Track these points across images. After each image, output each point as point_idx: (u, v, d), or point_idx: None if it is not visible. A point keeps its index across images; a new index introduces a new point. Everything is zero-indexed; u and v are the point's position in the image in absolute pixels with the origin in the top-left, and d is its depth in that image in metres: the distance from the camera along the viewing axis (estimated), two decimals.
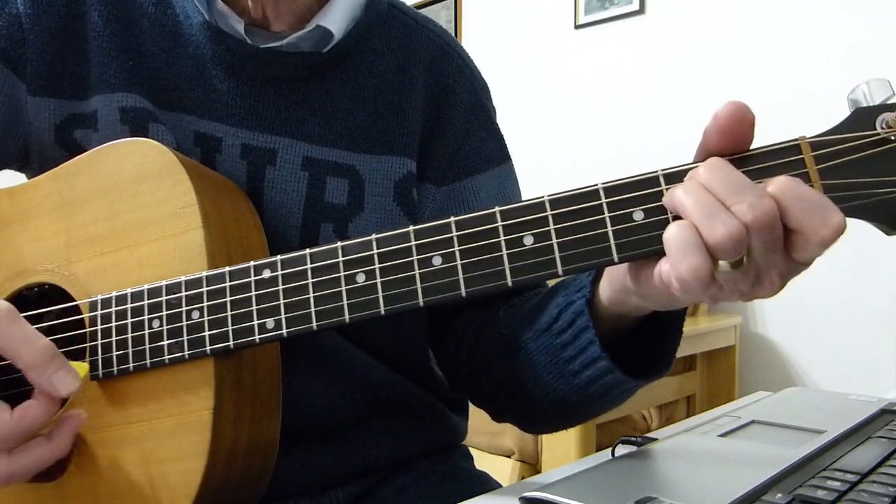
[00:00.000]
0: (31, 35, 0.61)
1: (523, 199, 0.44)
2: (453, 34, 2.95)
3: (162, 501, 0.51)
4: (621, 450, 0.55)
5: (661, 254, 0.41)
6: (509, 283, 0.43)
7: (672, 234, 0.39)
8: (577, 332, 0.52)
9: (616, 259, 0.41)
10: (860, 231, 0.40)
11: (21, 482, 0.49)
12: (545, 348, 0.55)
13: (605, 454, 0.57)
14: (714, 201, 0.38)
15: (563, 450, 1.61)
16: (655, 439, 0.54)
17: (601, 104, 2.59)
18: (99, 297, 0.54)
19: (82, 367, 0.50)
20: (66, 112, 0.62)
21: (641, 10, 2.49)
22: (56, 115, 0.62)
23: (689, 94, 2.36)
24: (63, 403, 0.51)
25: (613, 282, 0.48)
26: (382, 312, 0.46)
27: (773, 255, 0.38)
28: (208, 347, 0.50)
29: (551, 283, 0.55)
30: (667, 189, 0.41)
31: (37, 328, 0.48)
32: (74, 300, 0.55)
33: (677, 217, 0.40)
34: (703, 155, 0.41)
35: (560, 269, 0.42)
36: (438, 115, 0.69)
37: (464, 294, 0.44)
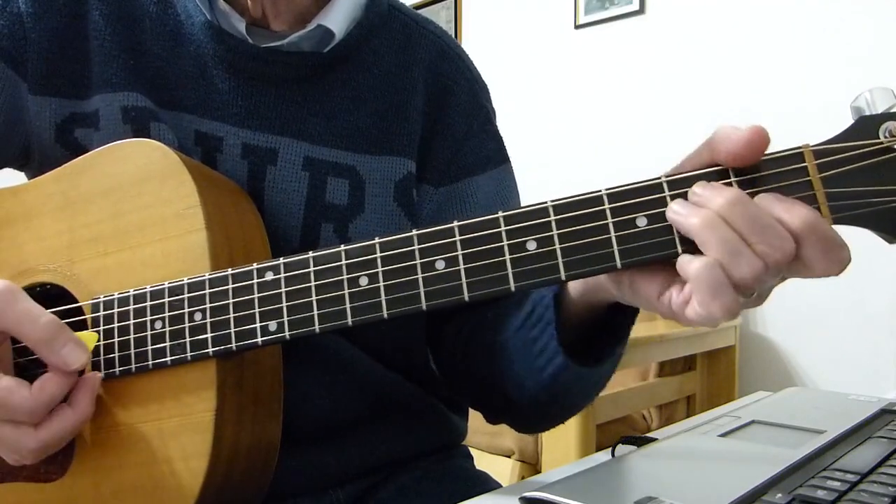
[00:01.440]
0: (32, 34, 0.61)
1: (523, 200, 0.44)
2: (453, 34, 2.95)
3: (164, 502, 0.51)
4: (621, 450, 0.55)
5: (662, 260, 0.41)
6: (512, 288, 0.43)
7: (701, 275, 0.39)
8: (543, 326, 0.52)
9: (619, 265, 0.41)
10: (860, 232, 0.41)
11: (54, 450, 0.50)
12: (521, 344, 0.55)
13: (605, 454, 0.57)
14: (737, 239, 0.38)
15: (563, 450, 1.61)
16: (655, 439, 0.55)
17: (601, 104, 2.59)
18: (102, 297, 0.54)
19: (90, 338, 0.51)
20: (67, 111, 0.62)
21: (641, 10, 2.49)
22: (57, 115, 0.62)
23: (690, 94, 2.36)
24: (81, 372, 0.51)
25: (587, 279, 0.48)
26: (385, 316, 0.46)
27: (777, 280, 0.40)
28: (210, 349, 0.50)
29: None
30: (670, 196, 0.41)
31: None
32: (77, 301, 0.55)
33: (684, 238, 0.40)
34: (708, 162, 0.41)
35: (563, 275, 0.42)
36: (438, 116, 0.69)
37: (467, 298, 0.44)
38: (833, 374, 2.09)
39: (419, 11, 0.75)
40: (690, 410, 2.15)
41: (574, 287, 0.50)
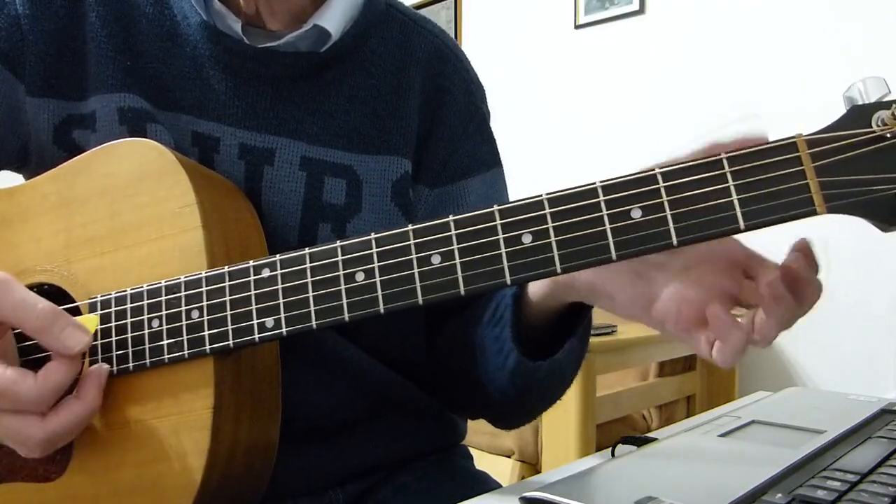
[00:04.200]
0: (29, 36, 0.61)
1: (521, 198, 0.44)
2: (453, 34, 2.95)
3: (162, 501, 0.51)
4: (621, 450, 0.55)
5: (656, 251, 0.41)
6: (508, 282, 0.43)
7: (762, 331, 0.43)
8: (503, 326, 0.54)
9: (614, 257, 0.41)
10: (860, 231, 0.40)
11: (63, 443, 0.49)
12: (488, 341, 0.57)
13: (605, 454, 0.57)
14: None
15: (563, 450, 1.61)
16: (655, 439, 0.54)
17: (601, 104, 2.59)
18: (98, 297, 0.54)
19: (92, 321, 0.50)
20: (65, 113, 0.62)
21: (641, 10, 2.49)
22: (54, 116, 0.62)
23: (689, 93, 2.36)
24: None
25: (548, 282, 0.49)
26: (382, 311, 0.45)
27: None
28: (208, 347, 0.50)
29: None
30: (664, 187, 0.41)
31: None
32: (74, 300, 0.55)
33: (680, 229, 0.41)
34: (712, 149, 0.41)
35: (558, 268, 0.42)
36: (434, 116, 0.69)
37: (462, 292, 0.44)
38: (833, 374, 2.08)
39: (419, 12, 0.75)
40: (690, 410, 2.15)
41: (534, 291, 0.51)
